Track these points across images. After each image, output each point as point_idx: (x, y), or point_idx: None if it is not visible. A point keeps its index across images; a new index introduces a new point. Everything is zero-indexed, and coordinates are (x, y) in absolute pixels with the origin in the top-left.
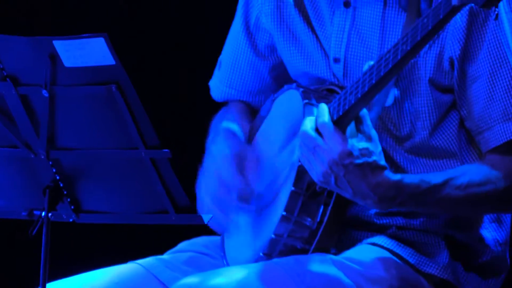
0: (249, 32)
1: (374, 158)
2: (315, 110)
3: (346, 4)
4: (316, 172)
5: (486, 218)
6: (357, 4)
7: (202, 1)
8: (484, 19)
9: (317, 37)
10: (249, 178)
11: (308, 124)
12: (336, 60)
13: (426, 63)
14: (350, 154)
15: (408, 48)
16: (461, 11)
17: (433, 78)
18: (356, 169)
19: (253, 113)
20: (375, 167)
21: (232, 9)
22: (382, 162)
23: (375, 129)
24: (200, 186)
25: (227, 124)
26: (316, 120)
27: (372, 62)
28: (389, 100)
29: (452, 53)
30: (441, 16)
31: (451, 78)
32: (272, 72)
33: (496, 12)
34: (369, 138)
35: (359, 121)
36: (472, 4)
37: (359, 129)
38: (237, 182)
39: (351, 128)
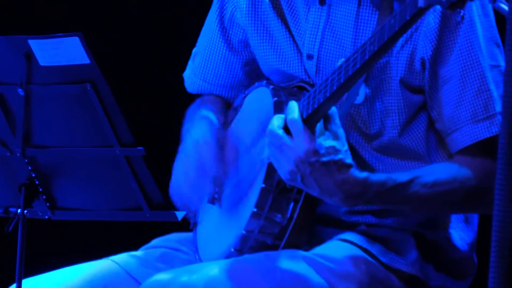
0: (223, 27)
1: (340, 156)
2: (284, 108)
3: (322, 2)
4: (283, 170)
5: (454, 218)
6: (332, 2)
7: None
8: (457, 21)
9: (291, 34)
10: (226, 168)
11: (275, 122)
12: (309, 57)
13: (398, 63)
14: (316, 152)
15: (375, 48)
16: (434, 13)
17: (404, 78)
18: (322, 167)
19: (226, 107)
20: (341, 165)
21: (205, 5)
22: (348, 160)
23: (345, 126)
24: (177, 167)
25: (205, 113)
26: (286, 118)
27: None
28: (360, 98)
29: (424, 54)
30: (407, 17)
31: (422, 79)
32: (244, 67)
33: (461, 14)
34: (336, 137)
35: (327, 120)
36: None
37: (327, 127)
38: (214, 168)
39: (319, 126)
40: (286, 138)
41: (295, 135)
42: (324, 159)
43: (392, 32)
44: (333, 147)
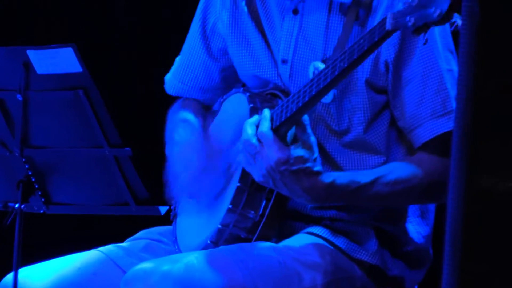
0: (205, 36)
1: (308, 164)
2: (259, 113)
3: (295, 12)
4: (256, 174)
5: (411, 213)
6: (305, 11)
7: (159, 15)
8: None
9: (267, 42)
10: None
11: (249, 130)
12: (284, 62)
13: (364, 65)
14: (285, 161)
15: (345, 65)
16: None
17: (369, 79)
18: (291, 175)
19: (205, 109)
20: (309, 173)
21: (189, 16)
22: (317, 167)
23: (314, 124)
24: (169, 174)
25: (185, 115)
26: (258, 127)
27: (317, 63)
28: (329, 98)
29: (387, 57)
30: (376, 39)
31: (385, 80)
32: (221, 73)
33: (425, 38)
34: (306, 145)
35: (299, 128)
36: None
37: (298, 136)
38: (199, 161)
39: (291, 133)
40: (258, 147)
41: (266, 146)
42: (293, 167)
43: (361, 51)
44: (301, 157)
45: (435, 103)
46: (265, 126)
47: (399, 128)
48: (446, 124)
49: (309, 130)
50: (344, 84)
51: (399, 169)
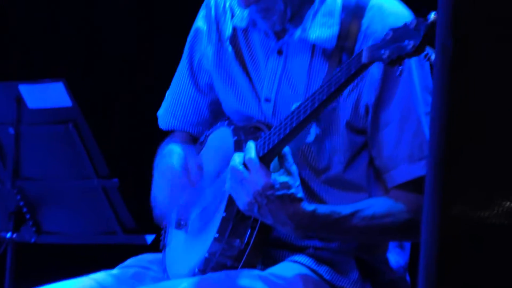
0: (192, 72)
1: (292, 190)
2: (243, 145)
3: (279, 52)
4: (242, 201)
5: (391, 244)
6: (289, 52)
7: (149, 47)
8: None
9: (250, 80)
10: (192, 197)
11: (237, 159)
12: (267, 100)
13: (345, 107)
14: (272, 186)
15: (324, 97)
16: (378, 65)
17: (350, 121)
18: (277, 200)
19: (193, 142)
20: (293, 199)
21: (177, 50)
22: (300, 194)
23: (298, 162)
24: (154, 197)
25: (172, 146)
26: (244, 156)
27: (299, 103)
28: (311, 137)
29: (368, 101)
30: (352, 72)
31: (365, 122)
32: (210, 107)
33: (400, 69)
34: (289, 173)
35: (281, 158)
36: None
37: (281, 165)
38: (187, 187)
39: (274, 163)
40: (246, 173)
41: (253, 172)
42: (279, 192)
43: (339, 84)
44: (286, 183)
45: (412, 147)
46: (252, 153)
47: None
48: (422, 169)
49: (291, 160)
50: (325, 125)
51: (376, 206)
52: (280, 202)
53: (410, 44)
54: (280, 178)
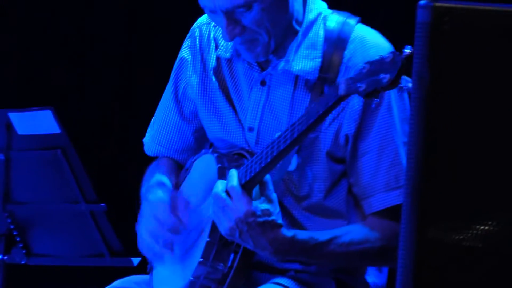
0: (177, 100)
1: (273, 217)
2: (226, 173)
3: (263, 83)
4: (224, 227)
5: (369, 267)
6: (272, 83)
7: (134, 73)
8: (377, 105)
9: (234, 109)
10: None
11: (220, 186)
12: (250, 129)
13: (325, 137)
14: (253, 214)
15: (303, 128)
16: (359, 97)
17: (330, 150)
18: (258, 226)
19: (179, 168)
20: (274, 225)
21: (161, 79)
22: (280, 221)
23: (279, 189)
24: (140, 225)
25: (159, 177)
26: (227, 184)
27: (279, 133)
28: (292, 166)
29: (348, 131)
30: (330, 104)
31: (345, 151)
32: (194, 134)
33: (376, 102)
34: (270, 201)
35: (262, 186)
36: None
37: (262, 192)
38: (170, 219)
39: (256, 190)
40: (228, 200)
41: (235, 199)
42: (260, 219)
43: (317, 115)
44: (267, 210)
45: (389, 176)
46: (234, 181)
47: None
48: (398, 198)
49: (271, 187)
50: (307, 154)
51: (353, 232)
52: (260, 228)
53: (385, 77)
54: (261, 205)
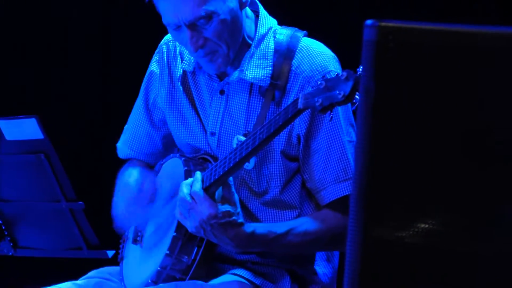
0: (148, 109)
1: (234, 218)
2: (192, 175)
3: (221, 92)
4: (190, 226)
5: (319, 257)
6: (230, 93)
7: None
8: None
9: (198, 116)
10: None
11: (185, 190)
12: (212, 134)
13: (280, 138)
14: (215, 216)
15: (263, 137)
16: None
17: (284, 150)
18: (220, 227)
19: (148, 168)
20: (234, 224)
21: (133, 91)
22: (240, 220)
23: (237, 185)
24: (116, 204)
25: (130, 170)
26: (191, 187)
27: (240, 137)
28: (250, 165)
29: (299, 132)
30: (289, 116)
31: (297, 150)
32: (163, 139)
33: (331, 116)
34: (231, 202)
35: (225, 188)
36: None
37: (224, 194)
38: (141, 202)
39: (218, 192)
40: (193, 204)
41: (199, 203)
42: (222, 221)
43: (277, 126)
44: (228, 211)
45: (338, 170)
46: (197, 186)
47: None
48: (347, 188)
49: (233, 189)
50: (263, 153)
51: (308, 223)
52: (222, 228)
53: (340, 93)
54: (223, 207)
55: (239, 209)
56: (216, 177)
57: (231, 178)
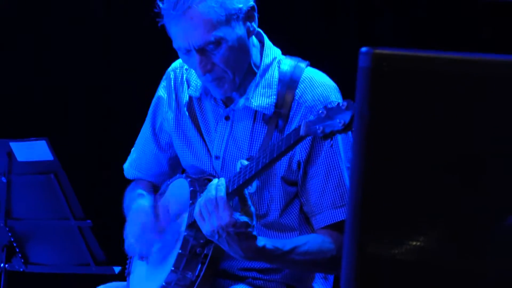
0: (155, 132)
1: (249, 229)
2: (197, 195)
3: (227, 118)
4: (206, 229)
5: (317, 276)
6: (234, 118)
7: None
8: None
9: (204, 140)
10: (155, 234)
11: (213, 191)
12: (217, 157)
13: (280, 164)
14: (234, 225)
15: (267, 161)
16: None
17: (284, 175)
18: (235, 236)
19: (155, 189)
20: (249, 236)
21: (140, 115)
22: (254, 232)
23: None
24: (126, 231)
25: (139, 191)
26: (216, 192)
27: (243, 161)
28: (252, 188)
29: (300, 158)
30: (291, 142)
31: (297, 176)
32: (169, 161)
33: (331, 143)
34: (249, 214)
35: (242, 200)
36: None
37: (243, 206)
38: (152, 222)
39: (234, 202)
40: (215, 208)
41: (221, 209)
42: (238, 230)
43: (280, 151)
44: (246, 222)
45: (335, 196)
46: (222, 192)
47: None
48: (343, 214)
49: (250, 203)
50: (264, 177)
51: (310, 243)
52: (237, 237)
53: (341, 122)
54: (242, 218)
55: (255, 222)
56: (230, 190)
57: (246, 192)
